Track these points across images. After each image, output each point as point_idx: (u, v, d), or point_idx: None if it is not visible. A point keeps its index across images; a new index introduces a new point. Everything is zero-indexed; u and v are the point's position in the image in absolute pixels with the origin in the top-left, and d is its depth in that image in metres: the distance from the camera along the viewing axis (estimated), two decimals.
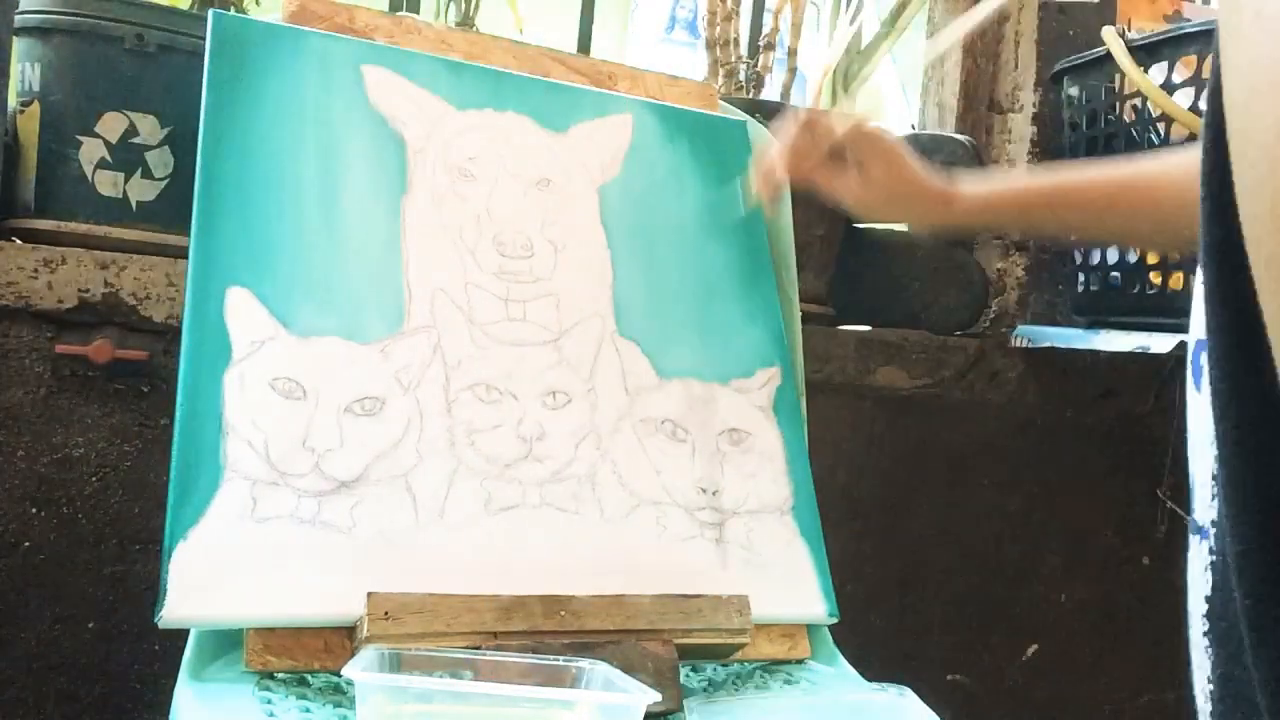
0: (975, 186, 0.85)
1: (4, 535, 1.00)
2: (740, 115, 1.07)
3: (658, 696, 0.65)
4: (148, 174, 1.03)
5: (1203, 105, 1.14)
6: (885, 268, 1.46)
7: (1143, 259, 1.25)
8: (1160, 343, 1.17)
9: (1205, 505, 0.41)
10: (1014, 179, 0.87)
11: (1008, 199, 0.84)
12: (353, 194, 0.84)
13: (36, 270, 0.99)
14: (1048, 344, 1.39)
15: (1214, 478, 0.39)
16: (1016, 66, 1.51)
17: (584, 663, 0.70)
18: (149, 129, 1.02)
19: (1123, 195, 0.79)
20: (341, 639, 0.73)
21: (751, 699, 0.79)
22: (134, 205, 1.03)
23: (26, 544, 1.01)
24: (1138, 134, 1.23)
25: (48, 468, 1.01)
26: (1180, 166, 0.76)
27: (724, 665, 0.87)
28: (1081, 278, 1.36)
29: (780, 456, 0.92)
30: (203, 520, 0.71)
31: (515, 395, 0.84)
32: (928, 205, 0.84)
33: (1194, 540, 0.42)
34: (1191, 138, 1.15)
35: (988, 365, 1.45)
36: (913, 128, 1.53)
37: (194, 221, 0.79)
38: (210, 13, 0.85)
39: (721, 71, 1.35)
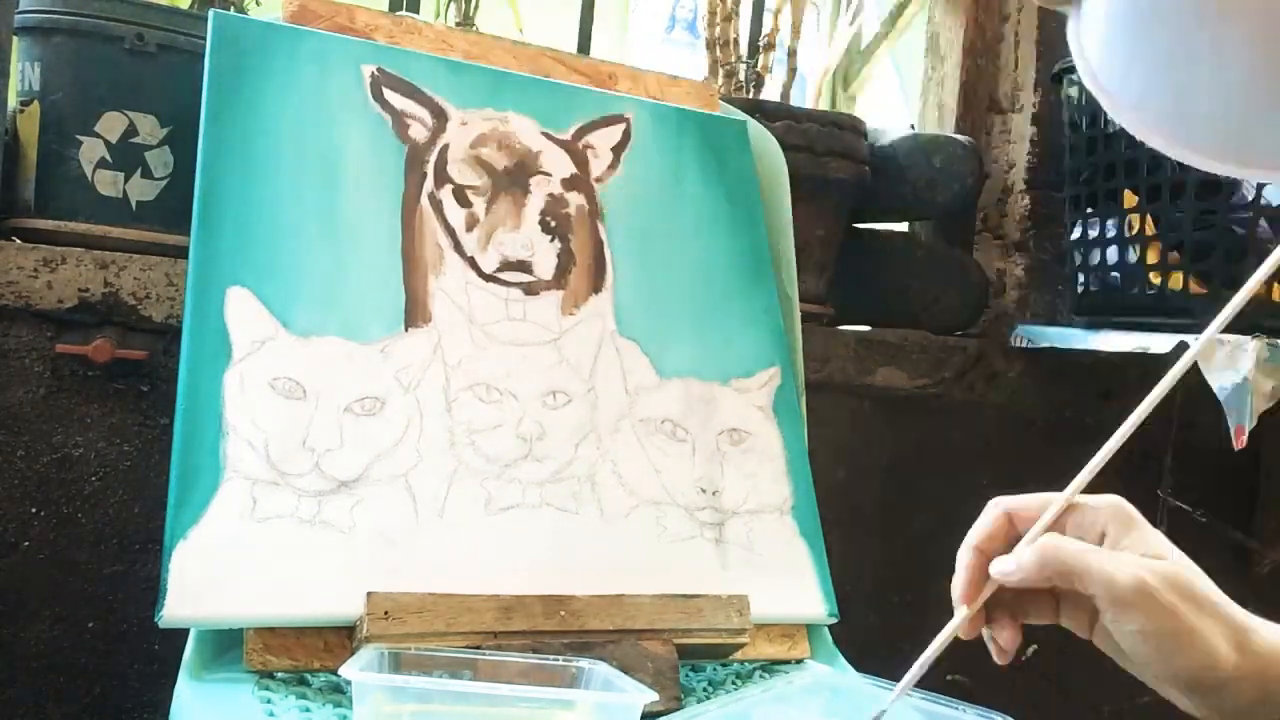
0: (1263, 626, 0.54)
1: (4, 535, 1.00)
2: (740, 115, 1.07)
3: (656, 696, 0.65)
4: (148, 174, 1.03)
5: None
6: (885, 268, 1.46)
7: (1143, 259, 1.25)
8: (1160, 343, 1.17)
9: None
10: None
11: None
12: (353, 193, 0.84)
13: (36, 270, 0.99)
14: (1047, 344, 1.39)
15: None
16: (1016, 66, 1.51)
17: (583, 662, 0.70)
18: (149, 129, 1.02)
19: None
20: (341, 639, 0.73)
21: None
22: (134, 205, 1.03)
23: (26, 544, 1.01)
24: None
25: (48, 468, 1.01)
26: None
27: (724, 665, 0.87)
28: (1081, 278, 1.36)
29: (780, 456, 0.92)
30: (203, 520, 0.71)
31: (515, 395, 0.84)
32: (1220, 630, 0.53)
33: None
34: None
35: (987, 365, 1.45)
36: (912, 127, 1.53)
37: (194, 221, 0.79)
38: (210, 13, 0.85)
39: (721, 71, 1.35)
